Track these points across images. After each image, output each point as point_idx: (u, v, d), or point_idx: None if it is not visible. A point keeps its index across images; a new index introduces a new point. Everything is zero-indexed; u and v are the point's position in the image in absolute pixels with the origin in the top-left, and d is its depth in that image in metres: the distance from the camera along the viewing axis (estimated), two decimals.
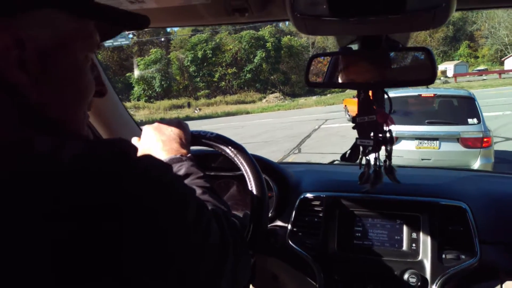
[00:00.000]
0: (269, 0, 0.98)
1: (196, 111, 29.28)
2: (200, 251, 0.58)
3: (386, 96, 1.19)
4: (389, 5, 0.88)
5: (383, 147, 1.20)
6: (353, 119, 1.21)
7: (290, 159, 8.80)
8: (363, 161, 1.23)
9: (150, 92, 35.32)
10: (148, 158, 0.58)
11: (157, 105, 32.36)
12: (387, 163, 1.20)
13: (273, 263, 1.38)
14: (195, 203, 0.60)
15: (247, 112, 26.45)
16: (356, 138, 1.20)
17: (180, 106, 32.30)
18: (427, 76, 1.07)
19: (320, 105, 25.81)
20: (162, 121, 1.01)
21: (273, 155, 8.90)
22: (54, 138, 0.49)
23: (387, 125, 1.18)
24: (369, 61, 1.16)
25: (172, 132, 0.96)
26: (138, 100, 34.44)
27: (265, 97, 34.14)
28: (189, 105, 32.32)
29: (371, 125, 1.18)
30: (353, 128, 1.21)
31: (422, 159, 5.24)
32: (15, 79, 0.52)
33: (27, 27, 0.53)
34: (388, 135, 1.18)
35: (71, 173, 0.46)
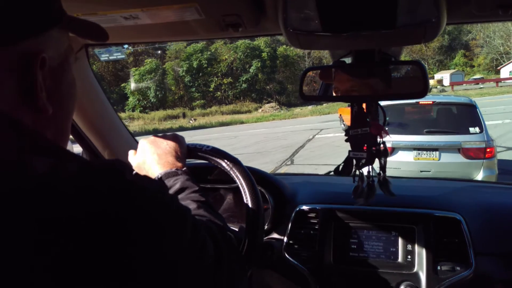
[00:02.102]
0: (262, 16, 0.99)
1: (191, 121, 29.25)
2: (196, 268, 0.58)
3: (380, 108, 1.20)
4: (380, 20, 0.89)
5: (377, 160, 1.21)
6: (346, 132, 1.21)
7: (282, 170, 8.69)
8: (357, 174, 1.23)
9: (145, 102, 35.30)
10: (144, 179, 0.58)
11: (152, 116, 32.30)
12: (381, 176, 1.21)
13: (269, 275, 1.38)
14: (191, 223, 0.60)
15: (242, 122, 26.43)
16: (349, 151, 1.21)
17: (175, 117, 32.29)
18: (420, 89, 1.08)
19: (316, 114, 25.87)
20: (158, 135, 1.01)
21: (266, 166, 8.81)
22: (52, 159, 0.50)
23: (381, 137, 1.18)
24: (363, 74, 1.17)
25: (168, 145, 0.97)
26: (133, 110, 34.39)
27: (261, 107, 34.21)
28: (184, 116, 32.31)
29: (365, 137, 1.18)
30: (346, 141, 1.21)
31: (421, 171, 4.95)
32: (39, 98, 0.54)
33: (44, 47, 0.55)
34: (381, 147, 1.19)
35: (69, 191, 0.46)
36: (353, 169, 1.20)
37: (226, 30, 1.03)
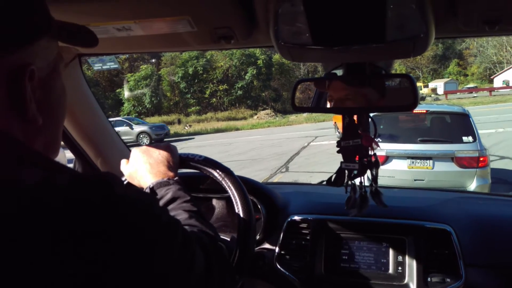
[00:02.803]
0: (254, 28, 1.00)
1: (186, 128, 29.20)
2: (186, 280, 0.59)
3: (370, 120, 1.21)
4: (370, 35, 0.90)
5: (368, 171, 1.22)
6: (338, 143, 1.22)
7: (276, 178, 8.68)
8: (350, 185, 1.24)
9: (140, 108, 35.20)
10: (135, 192, 0.59)
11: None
12: (373, 187, 1.21)
13: (260, 286, 1.37)
14: (181, 235, 0.61)
15: (237, 129, 26.42)
16: (341, 162, 1.22)
17: (171, 123, 32.22)
18: (409, 102, 1.09)
19: (311, 122, 25.94)
20: (151, 144, 1.02)
21: (260, 173, 8.77)
22: (42, 171, 0.50)
23: (372, 149, 1.19)
24: (354, 86, 1.18)
25: (160, 155, 0.97)
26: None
27: (256, 114, 34.25)
28: (179, 122, 32.26)
29: (356, 149, 1.19)
30: (338, 152, 1.22)
31: (415, 180, 4.96)
32: (28, 109, 0.54)
33: (34, 57, 0.55)
34: (373, 159, 1.20)
35: (58, 205, 0.46)
36: (345, 180, 1.21)
37: (218, 42, 1.04)
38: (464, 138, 4.89)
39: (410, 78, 1.10)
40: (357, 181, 1.23)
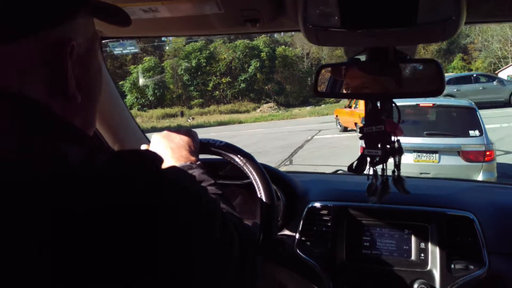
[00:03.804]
0: (281, 11, 0.99)
1: (189, 120, 29.18)
2: (226, 260, 0.58)
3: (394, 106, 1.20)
4: (401, 18, 0.89)
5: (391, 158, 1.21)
6: (361, 130, 1.22)
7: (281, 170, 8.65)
8: (371, 172, 1.23)
9: (143, 100, 35.17)
10: (175, 169, 0.58)
11: (150, 114, 32.20)
12: (395, 173, 1.21)
13: (281, 272, 1.38)
14: (220, 214, 0.60)
15: (240, 122, 26.36)
16: (364, 149, 1.21)
17: (173, 115, 32.20)
18: (435, 87, 1.08)
19: (314, 115, 25.85)
20: (171, 129, 1.01)
21: None
22: (84, 148, 0.50)
23: (395, 135, 1.18)
24: (378, 72, 1.17)
25: (181, 140, 0.96)
26: (131, 108, 34.05)
27: (259, 107, 34.20)
28: (182, 114, 32.23)
29: (379, 135, 1.18)
30: (360, 138, 1.22)
31: (421, 173, 4.91)
32: (69, 86, 0.54)
33: (73, 34, 0.55)
34: (396, 145, 1.19)
35: (102, 182, 0.45)
36: (367, 167, 1.20)
37: (244, 25, 1.03)
38: (471, 132, 4.88)
39: (437, 63, 1.09)
40: (378, 169, 1.23)
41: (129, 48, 1.17)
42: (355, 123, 12.55)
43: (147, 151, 0.56)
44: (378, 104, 1.19)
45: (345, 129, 14.46)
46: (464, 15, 0.89)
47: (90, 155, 0.48)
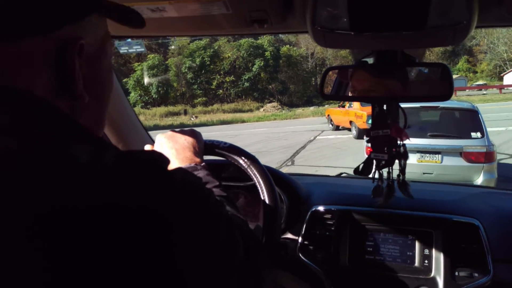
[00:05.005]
0: (289, 12, 0.98)
1: (192, 119, 29.20)
2: (231, 263, 0.57)
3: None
4: (410, 21, 0.88)
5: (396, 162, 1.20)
6: (367, 133, 1.21)
7: (282, 171, 8.56)
8: (376, 175, 1.22)
9: (147, 98, 35.23)
10: (183, 172, 0.57)
11: (153, 112, 32.27)
12: (401, 177, 1.20)
13: (283, 276, 1.36)
14: (225, 217, 0.59)
15: (243, 121, 26.35)
16: (370, 152, 1.20)
17: (177, 113, 32.26)
18: (444, 92, 1.07)
19: (317, 115, 25.85)
20: (175, 130, 1.00)
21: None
22: (91, 147, 0.49)
23: (401, 139, 1.18)
24: (385, 75, 1.16)
25: (186, 140, 0.95)
26: (134, 106, 34.19)
27: (262, 106, 34.21)
28: (185, 112, 32.28)
29: (386, 139, 1.18)
30: (367, 142, 1.21)
31: (424, 173, 5.13)
32: (76, 86, 0.53)
33: (82, 33, 0.54)
34: (402, 149, 1.18)
35: (112, 181, 0.45)
36: (373, 170, 1.20)
37: (251, 25, 1.02)
38: (473, 134, 5.03)
39: (446, 67, 1.08)
40: (384, 172, 1.22)
41: (135, 47, 1.16)
42: (350, 121, 13.04)
43: (154, 151, 0.55)
44: (385, 108, 1.18)
45: (337, 128, 15.25)
46: (476, 20, 0.87)
47: (98, 154, 0.48)
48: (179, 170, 0.57)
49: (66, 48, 0.52)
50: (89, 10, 0.55)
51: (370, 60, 1.17)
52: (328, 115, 16.25)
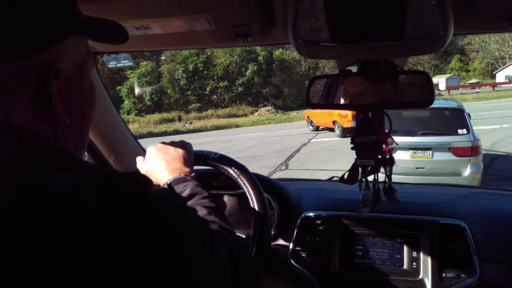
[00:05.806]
0: (272, 26, 1.00)
1: (187, 125, 29.10)
2: (217, 281, 0.59)
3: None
4: (389, 32, 0.90)
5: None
6: (352, 140, 1.22)
7: (276, 176, 8.47)
8: (363, 182, 1.23)
9: (141, 105, 35.07)
10: (166, 192, 0.59)
11: (147, 119, 32.10)
12: (387, 184, 1.22)
13: (274, 282, 1.38)
14: (209, 233, 0.61)
15: (237, 126, 26.25)
16: (356, 159, 1.21)
17: (171, 120, 32.14)
18: (426, 99, 1.09)
19: None
20: (165, 142, 1.02)
21: (260, 171, 8.43)
22: (74, 172, 0.49)
23: (387, 144, 1.19)
24: (369, 83, 1.18)
25: (176, 152, 0.97)
26: (128, 113, 34.00)
27: (257, 111, 34.20)
28: (180, 119, 32.20)
29: (371, 145, 1.19)
30: (352, 149, 1.22)
31: (417, 168, 5.58)
32: (55, 110, 0.53)
33: (59, 57, 0.54)
34: (387, 155, 1.20)
35: (92, 204, 0.46)
36: (359, 177, 1.21)
37: (235, 39, 1.05)
38: (459, 131, 5.51)
39: (426, 75, 1.10)
40: (370, 179, 1.24)
41: (123, 62, 1.18)
42: (334, 121, 13.76)
43: (137, 174, 0.56)
44: (370, 114, 1.20)
45: (317, 128, 16.18)
46: (452, 29, 0.90)
47: (80, 179, 0.48)
48: (162, 190, 0.59)
49: (42, 73, 0.51)
50: (65, 33, 0.55)
51: (354, 69, 1.20)
52: (308, 117, 16.92)
